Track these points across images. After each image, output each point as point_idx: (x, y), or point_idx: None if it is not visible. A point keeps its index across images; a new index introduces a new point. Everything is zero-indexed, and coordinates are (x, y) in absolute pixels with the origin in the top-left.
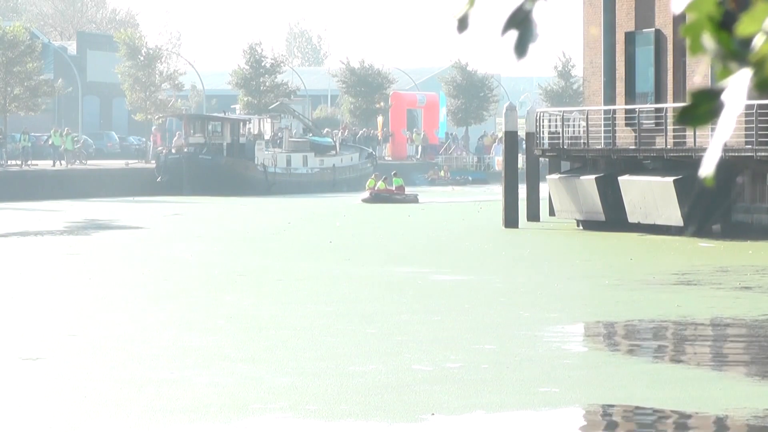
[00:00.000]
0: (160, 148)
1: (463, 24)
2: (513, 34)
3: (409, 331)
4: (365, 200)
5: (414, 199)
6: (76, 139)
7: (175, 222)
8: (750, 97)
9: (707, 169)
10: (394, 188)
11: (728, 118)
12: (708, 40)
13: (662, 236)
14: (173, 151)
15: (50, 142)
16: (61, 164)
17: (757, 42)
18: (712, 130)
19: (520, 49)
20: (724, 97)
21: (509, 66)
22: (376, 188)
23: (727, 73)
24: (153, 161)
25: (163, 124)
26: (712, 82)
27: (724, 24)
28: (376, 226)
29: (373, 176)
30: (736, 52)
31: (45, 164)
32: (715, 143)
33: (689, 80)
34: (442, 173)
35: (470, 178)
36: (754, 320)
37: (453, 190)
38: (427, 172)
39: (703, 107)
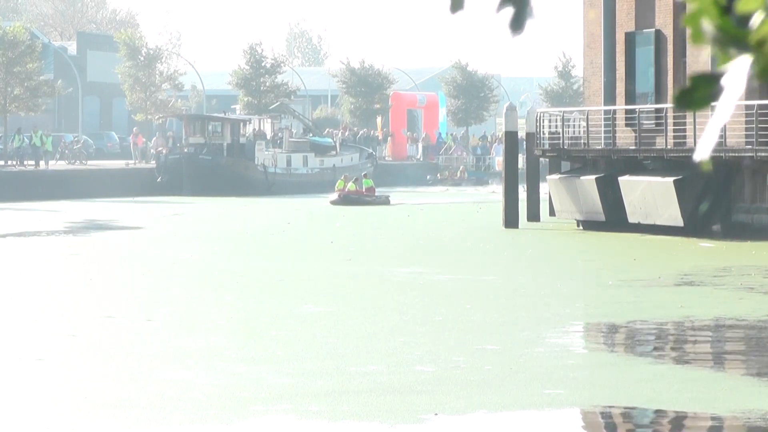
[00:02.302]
0: (160, 149)
1: (457, 4)
2: (509, 11)
3: (410, 331)
4: (333, 202)
5: (385, 201)
6: (76, 138)
7: (175, 222)
8: (749, 92)
9: (703, 153)
10: (363, 190)
11: (727, 102)
12: (708, 25)
13: (662, 236)
14: (153, 151)
15: (32, 143)
16: (44, 165)
17: (756, 20)
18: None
19: (516, 24)
20: (723, 81)
21: (509, 66)
22: (346, 189)
23: (727, 59)
24: (137, 161)
25: (162, 124)
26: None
27: (727, 10)
28: (376, 227)
29: (342, 177)
30: (736, 36)
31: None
32: (713, 127)
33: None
34: (458, 174)
35: (489, 182)
36: (758, 321)
37: (447, 190)
38: (440, 172)
39: (702, 91)
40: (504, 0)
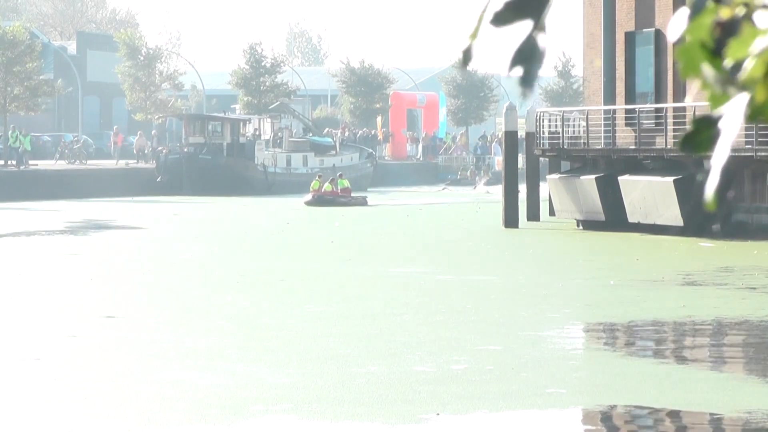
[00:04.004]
0: (160, 148)
1: (467, 57)
2: (519, 70)
3: (411, 331)
4: (308, 203)
5: (363, 202)
6: (76, 138)
7: (174, 222)
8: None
9: (709, 194)
10: (339, 190)
11: (724, 144)
12: (707, 68)
13: (662, 236)
14: (135, 151)
15: (9, 143)
16: (24, 165)
17: (747, 66)
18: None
19: (526, 83)
20: (720, 124)
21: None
22: (322, 190)
23: (720, 99)
24: (118, 162)
25: (162, 124)
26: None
27: (717, 50)
28: (376, 227)
29: (317, 177)
30: (730, 77)
31: (43, 164)
32: (714, 170)
33: (689, 80)
34: (481, 173)
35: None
36: (760, 321)
37: (443, 190)
38: (460, 172)
39: (705, 133)
40: (514, 61)
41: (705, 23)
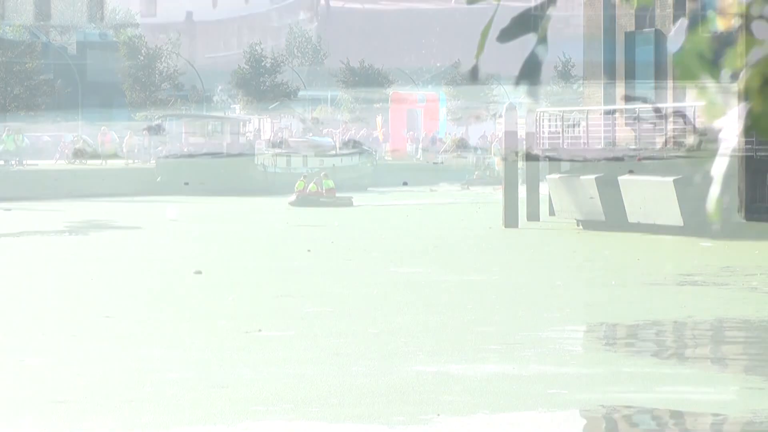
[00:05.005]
0: (159, 148)
1: (475, 73)
2: (526, 82)
3: (411, 332)
4: (292, 203)
5: (348, 203)
6: (76, 137)
7: (174, 222)
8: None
9: (710, 205)
10: (323, 191)
11: (723, 155)
12: (706, 78)
13: (662, 236)
14: (124, 150)
15: None
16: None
17: (744, 76)
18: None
19: (535, 94)
20: (721, 135)
21: (509, 66)
22: (307, 190)
23: (717, 111)
24: (104, 162)
25: (160, 124)
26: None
27: (716, 61)
28: (376, 227)
29: (302, 178)
30: (725, 87)
31: (43, 164)
32: (716, 182)
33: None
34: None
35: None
36: (761, 321)
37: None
38: (477, 172)
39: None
40: (521, 76)
41: (703, 35)
